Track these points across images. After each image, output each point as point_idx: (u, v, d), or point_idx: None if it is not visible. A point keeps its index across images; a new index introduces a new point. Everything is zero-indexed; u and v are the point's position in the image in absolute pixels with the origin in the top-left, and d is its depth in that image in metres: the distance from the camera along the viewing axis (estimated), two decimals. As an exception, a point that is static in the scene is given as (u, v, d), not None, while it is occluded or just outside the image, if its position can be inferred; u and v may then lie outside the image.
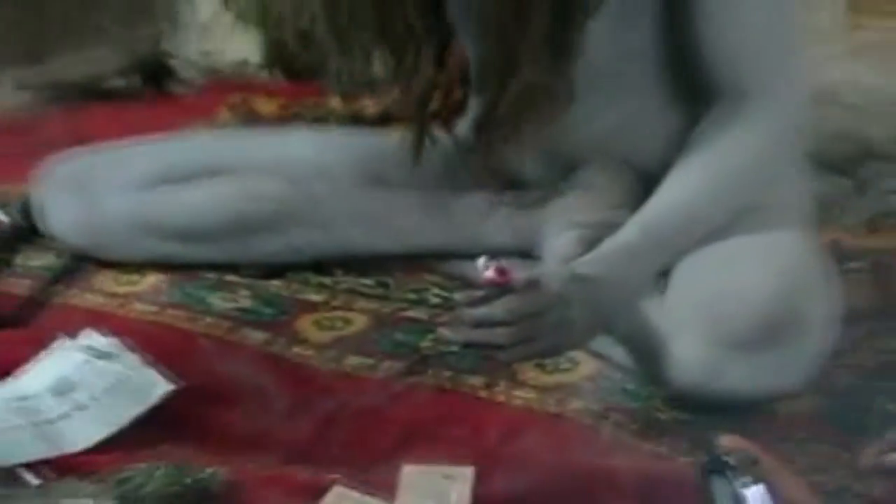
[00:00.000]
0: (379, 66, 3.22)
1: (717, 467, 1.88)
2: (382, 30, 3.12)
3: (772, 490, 1.86)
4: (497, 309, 2.81)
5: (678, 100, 3.19)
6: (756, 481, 1.85)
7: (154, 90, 3.84)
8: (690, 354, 2.93)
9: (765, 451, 1.98)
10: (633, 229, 3.02)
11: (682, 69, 3.13)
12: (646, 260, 3.03)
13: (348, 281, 3.47)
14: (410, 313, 3.36)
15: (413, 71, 3.17)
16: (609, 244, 3.00)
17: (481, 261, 2.81)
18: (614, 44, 3.13)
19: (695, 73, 3.11)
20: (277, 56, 3.59)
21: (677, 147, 3.08)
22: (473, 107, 3.37)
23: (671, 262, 3.08)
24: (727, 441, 1.94)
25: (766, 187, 3.11)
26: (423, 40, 3.15)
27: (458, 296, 3.00)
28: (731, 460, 1.89)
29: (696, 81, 3.12)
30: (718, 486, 1.86)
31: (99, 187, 3.50)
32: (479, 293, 2.85)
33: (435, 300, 3.39)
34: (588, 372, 3.10)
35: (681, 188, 3.03)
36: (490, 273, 2.78)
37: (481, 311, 2.82)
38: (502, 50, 3.01)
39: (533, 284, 2.86)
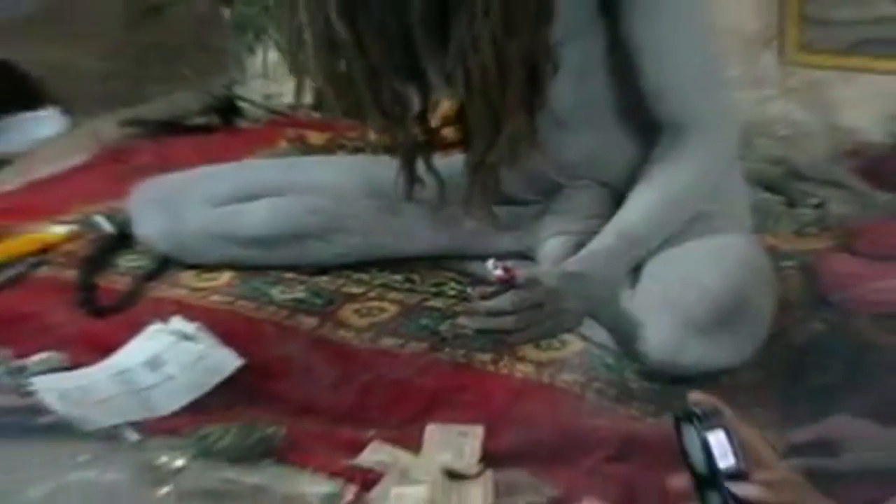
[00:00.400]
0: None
1: (688, 417, 1.88)
2: (374, 96, 3.14)
3: (730, 435, 1.86)
4: (505, 301, 2.82)
5: (635, 132, 3.20)
6: (718, 428, 1.87)
7: (226, 126, 3.86)
8: (659, 336, 2.97)
9: (725, 406, 2.00)
10: (609, 235, 3.05)
11: (636, 109, 3.16)
12: (621, 259, 3.06)
13: (382, 277, 3.49)
14: (432, 303, 3.38)
15: (400, 127, 3.21)
16: (591, 247, 3.04)
17: (491, 262, 2.83)
18: (577, 93, 3.16)
19: (645, 111, 3.14)
20: (321, 100, 3.57)
21: (637, 168, 3.11)
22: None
23: (640, 260, 3.11)
24: (695, 396, 1.95)
25: (708, 200, 3.12)
26: (408, 102, 3.18)
27: (471, 290, 3.05)
28: (698, 411, 1.90)
29: (647, 118, 3.15)
30: (688, 433, 1.85)
31: (182, 204, 3.53)
32: (490, 289, 2.90)
33: (452, 292, 3.41)
34: (575, 350, 3.12)
35: (644, 203, 3.06)
36: (499, 272, 2.81)
37: (492, 303, 2.84)
38: (487, 112, 3.02)
39: (533, 281, 2.88)
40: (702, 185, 3.12)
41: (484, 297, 2.89)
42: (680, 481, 1.85)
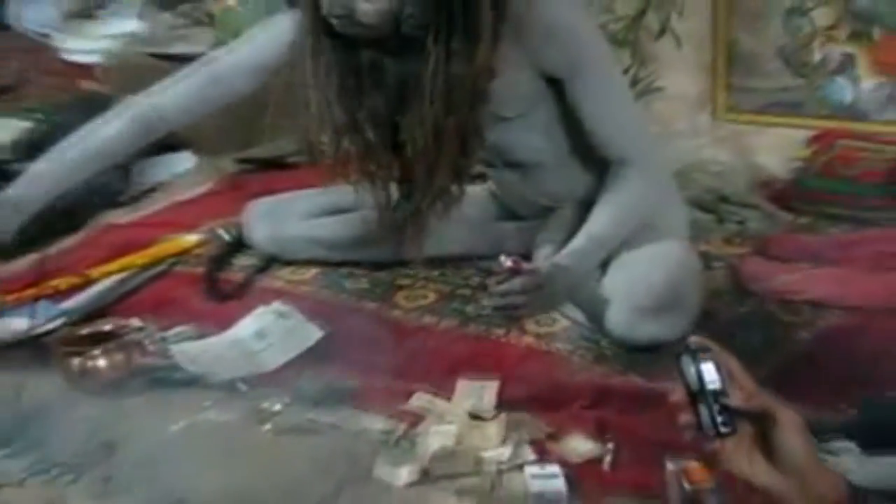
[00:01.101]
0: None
1: (686, 351, 1.90)
2: (363, 147, 3.13)
3: (717, 365, 1.88)
4: (515, 284, 2.82)
5: (593, 166, 3.18)
6: (709, 359, 1.88)
7: (313, 163, 3.85)
8: (618, 318, 2.98)
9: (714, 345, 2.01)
10: (582, 239, 3.03)
11: (591, 150, 3.15)
12: (590, 256, 3.03)
13: (424, 272, 3.45)
14: (461, 291, 3.36)
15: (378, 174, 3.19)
16: (570, 247, 3.01)
17: (502, 257, 2.82)
18: (549, 145, 3.20)
19: (595, 150, 3.13)
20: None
21: (597, 190, 3.10)
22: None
23: (603, 256, 3.07)
24: (694, 338, 1.95)
25: (650, 216, 3.10)
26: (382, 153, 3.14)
27: (488, 280, 3.04)
28: (694, 346, 1.91)
29: (598, 154, 3.14)
30: (686, 363, 1.86)
31: (282, 217, 3.55)
32: (502, 277, 2.90)
33: (474, 283, 3.39)
34: (564, 326, 3.12)
35: (603, 216, 3.04)
36: (509, 263, 2.81)
37: (504, 286, 2.83)
38: (425, 171, 3.04)
39: (533, 270, 2.90)
40: (642, 204, 3.10)
41: (499, 283, 2.88)
42: (678, 396, 1.84)
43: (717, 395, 1.81)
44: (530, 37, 3.00)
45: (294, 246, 3.54)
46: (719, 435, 1.79)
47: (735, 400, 1.80)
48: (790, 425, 1.78)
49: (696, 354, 1.85)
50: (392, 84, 3.05)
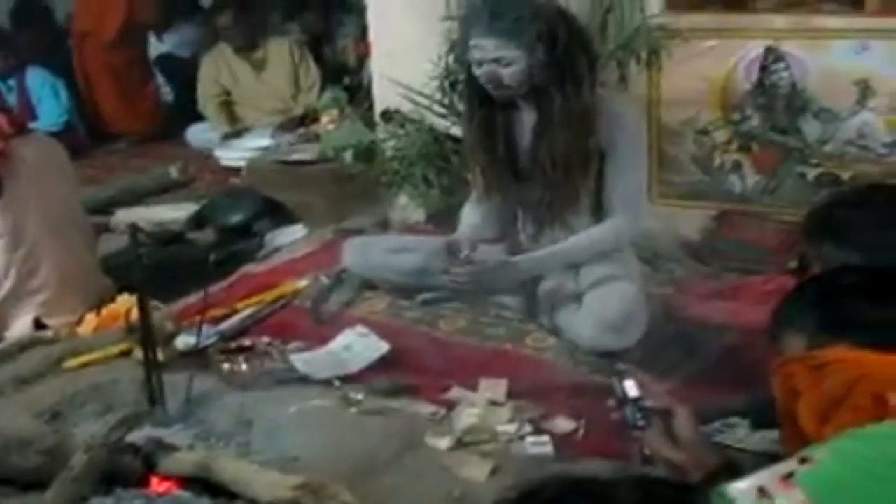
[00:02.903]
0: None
1: (615, 374, 2.00)
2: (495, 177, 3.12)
3: (637, 381, 1.95)
4: (462, 270, 2.93)
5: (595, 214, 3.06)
6: (631, 378, 1.96)
7: (384, 229, 3.84)
8: (590, 334, 2.93)
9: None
10: (545, 251, 3.03)
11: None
12: (545, 263, 3.05)
13: (457, 305, 3.31)
14: (482, 319, 3.24)
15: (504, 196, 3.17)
16: (531, 254, 3.03)
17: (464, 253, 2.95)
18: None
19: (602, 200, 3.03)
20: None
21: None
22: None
23: (554, 269, 3.07)
24: (620, 365, 2.03)
25: (613, 248, 3.04)
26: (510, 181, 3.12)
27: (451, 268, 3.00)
28: (620, 370, 2.02)
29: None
30: (615, 382, 1.95)
31: (369, 251, 3.47)
32: (458, 263, 2.95)
33: (492, 315, 3.27)
34: (553, 342, 3.06)
35: (570, 242, 3.01)
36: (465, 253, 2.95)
37: (456, 270, 2.94)
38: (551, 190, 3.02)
39: (483, 262, 2.96)
40: (601, 244, 3.02)
41: (454, 268, 2.96)
42: (610, 403, 1.97)
43: (635, 401, 1.93)
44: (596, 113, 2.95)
45: (378, 272, 3.43)
46: (639, 427, 1.91)
47: (650, 404, 1.92)
48: (683, 418, 1.88)
49: (621, 375, 1.99)
50: (523, 127, 3.01)
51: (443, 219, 3.74)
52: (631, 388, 1.94)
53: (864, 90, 3.57)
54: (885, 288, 1.62)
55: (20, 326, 3.32)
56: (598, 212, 3.05)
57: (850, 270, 1.76)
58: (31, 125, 4.28)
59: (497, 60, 2.85)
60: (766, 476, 1.32)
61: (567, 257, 3.05)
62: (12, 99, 5.52)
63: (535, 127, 2.97)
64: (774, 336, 1.69)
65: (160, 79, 6.74)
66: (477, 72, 2.90)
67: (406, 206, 4.06)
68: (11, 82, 5.71)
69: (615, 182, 2.98)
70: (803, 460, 1.33)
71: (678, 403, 1.93)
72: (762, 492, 1.30)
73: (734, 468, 1.81)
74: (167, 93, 6.70)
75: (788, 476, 1.30)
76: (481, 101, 3.01)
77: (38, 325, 3.33)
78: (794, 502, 1.27)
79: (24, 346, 3.18)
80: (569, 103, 2.87)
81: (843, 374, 1.50)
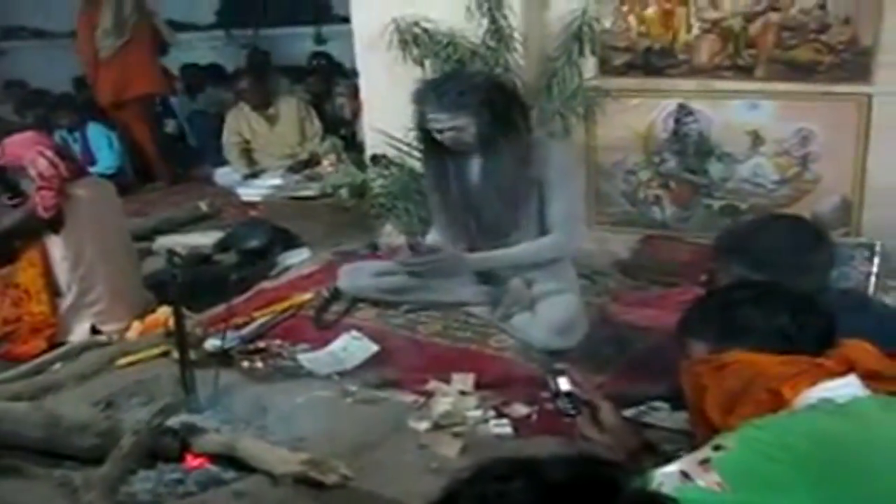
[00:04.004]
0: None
1: (549, 372, 1.93)
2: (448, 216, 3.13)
3: (569, 377, 1.90)
4: (421, 259, 2.98)
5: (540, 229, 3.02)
6: (563, 375, 1.92)
7: (374, 253, 3.83)
8: (541, 336, 2.91)
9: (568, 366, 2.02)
10: (492, 253, 3.01)
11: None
12: (488, 262, 3.04)
13: (435, 313, 3.27)
14: (454, 324, 3.20)
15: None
16: (481, 254, 3.02)
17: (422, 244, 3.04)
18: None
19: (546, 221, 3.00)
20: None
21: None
22: None
23: (493, 267, 3.06)
24: (556, 365, 1.98)
25: (552, 256, 3.02)
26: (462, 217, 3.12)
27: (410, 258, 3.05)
28: (553, 369, 1.95)
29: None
30: (550, 378, 1.90)
31: (360, 274, 3.40)
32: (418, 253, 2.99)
33: (461, 320, 3.22)
34: (511, 343, 3.02)
35: (515, 249, 3.00)
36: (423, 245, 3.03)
37: (416, 259, 3.00)
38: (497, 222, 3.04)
39: (438, 251, 3.00)
40: (539, 254, 3.01)
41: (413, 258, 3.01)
42: (547, 395, 1.97)
43: (567, 394, 1.89)
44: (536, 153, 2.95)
45: (366, 292, 3.37)
46: (570, 415, 1.88)
47: (578, 395, 1.89)
48: (606, 409, 1.86)
49: (555, 373, 1.94)
50: (473, 169, 2.99)
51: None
52: (563, 383, 1.91)
53: (755, 139, 3.60)
54: (773, 300, 1.61)
55: (80, 332, 3.31)
56: (543, 234, 3.04)
57: (742, 286, 1.74)
58: (91, 169, 4.27)
59: (453, 129, 2.89)
60: (686, 462, 1.32)
61: (512, 259, 3.02)
62: (77, 148, 5.51)
63: (483, 168, 2.98)
64: (681, 342, 1.68)
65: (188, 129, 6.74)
66: (440, 137, 2.93)
67: (391, 233, 4.04)
68: (77, 135, 5.70)
69: (552, 206, 2.97)
70: (717, 447, 1.32)
71: (601, 397, 1.91)
72: (684, 475, 1.29)
73: (652, 448, 1.83)
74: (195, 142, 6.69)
75: (705, 462, 1.30)
76: (435, 153, 3.04)
77: (94, 331, 3.32)
78: (711, 482, 1.26)
79: (83, 349, 3.17)
80: (509, 147, 2.89)
81: (740, 373, 1.49)
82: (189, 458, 2.36)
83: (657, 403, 2.47)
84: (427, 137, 3.00)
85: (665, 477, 1.30)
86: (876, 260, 3.11)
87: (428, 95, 2.93)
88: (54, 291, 3.31)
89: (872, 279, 3.06)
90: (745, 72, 3.54)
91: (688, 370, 1.60)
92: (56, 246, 3.30)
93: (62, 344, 3.23)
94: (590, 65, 3.67)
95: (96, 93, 5.89)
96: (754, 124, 3.59)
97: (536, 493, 0.87)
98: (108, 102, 5.81)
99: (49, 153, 3.27)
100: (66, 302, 3.32)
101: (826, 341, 1.54)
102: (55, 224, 3.26)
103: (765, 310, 1.58)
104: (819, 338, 1.55)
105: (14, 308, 3.29)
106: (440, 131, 2.90)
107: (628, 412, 2.31)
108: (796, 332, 1.55)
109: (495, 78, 3.13)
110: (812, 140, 3.51)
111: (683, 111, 3.71)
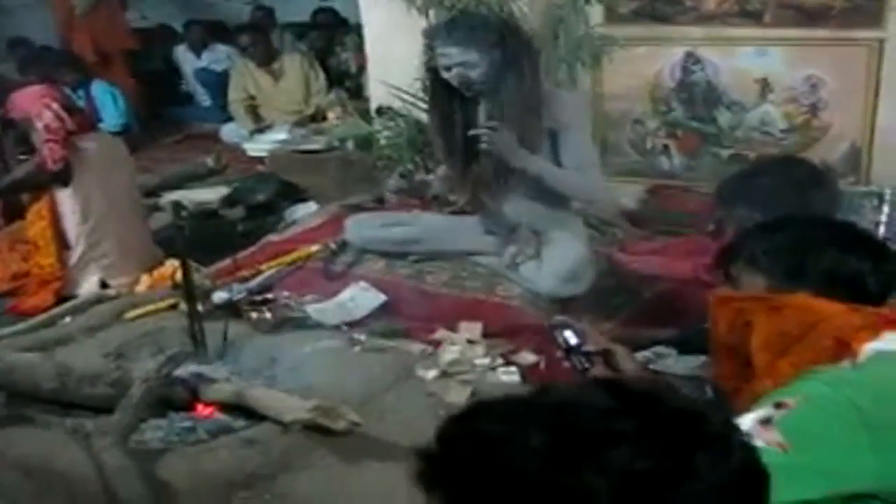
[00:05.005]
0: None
1: (554, 326, 1.87)
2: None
3: (574, 330, 1.80)
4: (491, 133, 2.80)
5: (544, 201, 2.98)
6: (569, 327, 1.84)
7: (380, 204, 3.82)
8: (549, 283, 2.91)
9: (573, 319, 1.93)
10: (543, 163, 2.86)
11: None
12: (536, 167, 2.85)
13: (441, 261, 3.24)
14: (462, 274, 3.18)
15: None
16: (525, 154, 2.84)
17: None
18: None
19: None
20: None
21: (543, 220, 3.04)
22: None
23: (524, 170, 2.86)
24: (557, 318, 1.92)
25: (583, 192, 2.98)
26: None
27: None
28: (558, 322, 1.88)
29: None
30: (556, 333, 1.85)
31: (367, 225, 3.38)
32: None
33: (469, 270, 3.21)
34: (519, 291, 3.01)
35: (559, 171, 2.88)
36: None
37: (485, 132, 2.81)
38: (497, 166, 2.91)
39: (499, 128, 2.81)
40: (574, 186, 2.92)
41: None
42: (558, 352, 1.83)
43: (577, 348, 1.78)
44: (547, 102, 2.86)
45: (374, 243, 3.34)
46: (584, 369, 1.77)
47: (587, 347, 1.78)
48: (621, 354, 1.78)
49: (560, 327, 1.82)
50: (480, 116, 2.90)
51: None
52: (570, 337, 1.79)
53: (764, 87, 3.57)
54: (856, 244, 1.49)
55: (89, 286, 3.32)
56: None
57: (816, 223, 1.60)
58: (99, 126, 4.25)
59: (462, 64, 2.79)
60: (745, 421, 1.21)
61: (549, 175, 2.88)
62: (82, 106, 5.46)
63: (489, 113, 2.88)
64: (731, 272, 1.54)
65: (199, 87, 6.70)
66: (446, 75, 2.84)
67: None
68: (81, 93, 5.65)
69: (568, 152, 2.88)
70: (778, 405, 1.22)
71: (614, 343, 1.82)
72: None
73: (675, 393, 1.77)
74: (205, 99, 6.64)
75: (766, 421, 1.20)
76: (442, 96, 2.95)
77: (103, 284, 3.34)
78: (773, 442, 1.16)
79: (92, 302, 3.18)
80: (519, 93, 2.81)
81: (801, 317, 1.37)
82: (199, 407, 2.37)
83: (662, 349, 2.46)
84: (435, 78, 2.92)
85: None
86: (885, 208, 3.08)
87: (439, 31, 2.87)
88: (63, 245, 3.32)
89: (882, 227, 3.04)
90: (754, 18, 3.50)
91: (726, 303, 1.48)
92: (65, 199, 3.30)
93: (70, 297, 3.24)
94: (596, 12, 3.61)
95: (74, 50, 6.01)
96: (763, 72, 3.55)
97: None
98: (91, 60, 5.94)
99: (55, 105, 3.26)
100: (74, 255, 3.33)
101: (890, 291, 1.47)
102: (63, 177, 3.27)
103: (848, 255, 1.47)
104: (888, 288, 1.46)
105: (23, 263, 3.33)
106: (448, 68, 2.81)
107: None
108: (874, 281, 1.45)
109: (510, 20, 3.05)
110: (821, 87, 3.48)
111: (691, 59, 3.67)
